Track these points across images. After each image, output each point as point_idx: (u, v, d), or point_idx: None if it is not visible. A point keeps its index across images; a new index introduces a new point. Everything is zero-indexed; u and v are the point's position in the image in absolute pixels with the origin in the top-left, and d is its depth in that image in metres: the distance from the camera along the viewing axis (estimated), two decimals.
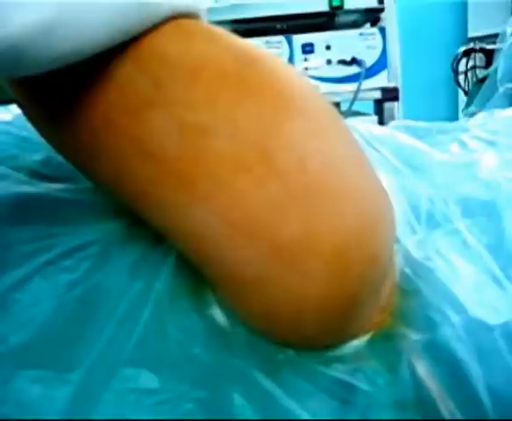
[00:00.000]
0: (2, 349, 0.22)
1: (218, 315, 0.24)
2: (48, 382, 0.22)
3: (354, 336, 0.24)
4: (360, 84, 1.23)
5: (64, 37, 0.18)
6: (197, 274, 0.24)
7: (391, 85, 1.31)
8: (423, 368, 0.23)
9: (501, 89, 0.73)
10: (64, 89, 0.22)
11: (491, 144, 0.35)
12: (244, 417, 0.22)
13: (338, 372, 0.23)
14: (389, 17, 1.34)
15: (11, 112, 0.34)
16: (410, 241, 0.27)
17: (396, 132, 0.36)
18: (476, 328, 0.24)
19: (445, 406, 0.23)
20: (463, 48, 1.17)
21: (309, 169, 0.20)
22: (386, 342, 0.24)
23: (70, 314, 0.23)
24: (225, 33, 0.23)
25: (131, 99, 0.21)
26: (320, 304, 0.20)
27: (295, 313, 0.21)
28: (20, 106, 0.26)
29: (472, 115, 0.43)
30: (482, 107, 0.70)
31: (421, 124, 0.38)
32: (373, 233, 0.21)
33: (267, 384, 0.22)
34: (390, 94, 1.31)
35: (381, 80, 1.30)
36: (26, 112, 0.26)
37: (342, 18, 1.39)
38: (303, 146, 0.20)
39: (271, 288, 0.20)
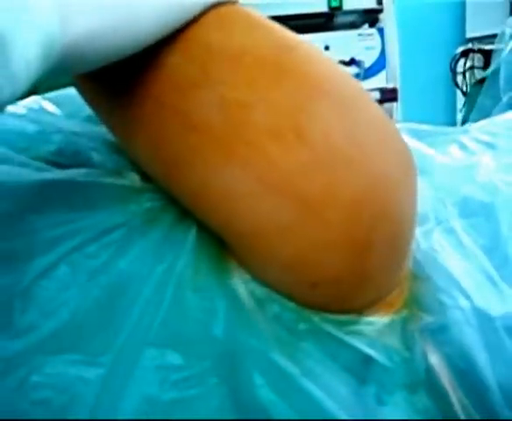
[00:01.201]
0: (35, 336, 0.23)
1: (241, 287, 0.25)
2: (81, 366, 0.23)
3: (374, 304, 0.26)
4: None
5: (119, 37, 0.21)
6: (218, 250, 0.26)
7: (390, 86, 1.32)
8: (435, 351, 0.25)
9: (504, 99, 0.73)
10: (121, 75, 0.26)
11: (490, 146, 0.36)
12: (265, 397, 0.23)
13: (359, 342, 0.25)
14: (388, 18, 1.34)
15: (23, 106, 0.35)
16: (417, 231, 0.28)
17: None
18: (481, 316, 0.25)
19: (455, 390, 0.24)
20: (461, 49, 1.17)
21: (332, 140, 0.23)
22: (401, 325, 0.26)
23: (96, 300, 0.24)
24: (265, 21, 0.26)
25: (180, 82, 0.24)
26: (340, 246, 0.23)
27: (319, 256, 0.23)
28: (75, 86, 0.30)
29: (475, 122, 0.44)
30: (486, 115, 0.70)
31: (424, 126, 0.39)
32: (385, 191, 0.23)
33: (286, 364, 0.24)
34: (389, 94, 1.32)
35: (380, 80, 1.30)
36: (81, 91, 0.30)
37: (341, 19, 1.39)
38: (328, 122, 0.23)
39: (296, 236, 0.23)
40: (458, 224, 0.29)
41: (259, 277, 0.25)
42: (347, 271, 0.24)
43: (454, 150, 0.36)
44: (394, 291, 0.26)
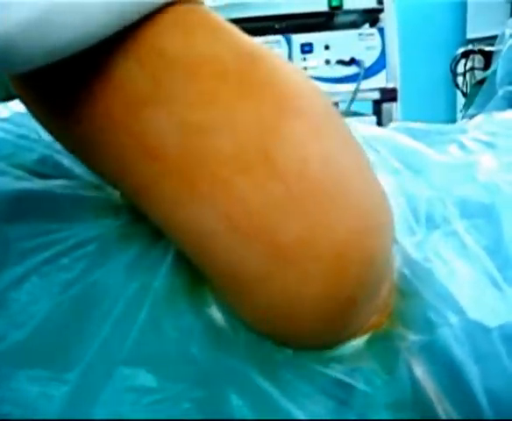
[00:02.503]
0: (1, 348, 0.22)
1: (216, 313, 0.24)
2: (46, 382, 0.22)
3: (352, 336, 0.24)
4: (359, 84, 1.23)
5: (58, 30, 0.18)
6: (195, 273, 0.24)
7: (390, 86, 1.31)
8: (420, 369, 0.24)
9: (500, 92, 0.73)
10: (66, 88, 0.22)
11: (489, 146, 0.35)
12: (241, 418, 0.22)
13: (337, 372, 0.23)
14: (388, 18, 1.34)
15: (8, 109, 0.34)
16: (409, 242, 0.27)
17: (396, 134, 0.36)
18: (474, 329, 0.24)
19: (442, 408, 0.23)
20: (462, 50, 1.16)
21: (310, 172, 0.20)
22: (384, 343, 0.24)
23: (67, 314, 0.23)
24: (227, 27, 0.23)
25: (132, 97, 0.21)
26: (318, 304, 0.21)
27: (293, 312, 0.21)
28: (23, 103, 0.26)
29: (471, 117, 0.43)
30: (481, 109, 0.70)
31: (420, 125, 0.38)
32: (371, 236, 0.21)
33: (265, 385, 0.23)
34: (389, 94, 1.31)
35: (380, 80, 1.30)
36: (29, 109, 0.26)
37: (341, 18, 1.39)
38: (304, 147, 0.20)
39: (268, 288, 0.21)
40: (460, 225, 0.29)
41: (234, 312, 0.24)
42: (326, 326, 0.22)
43: (453, 149, 0.35)
44: (374, 316, 0.25)
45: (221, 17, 0.23)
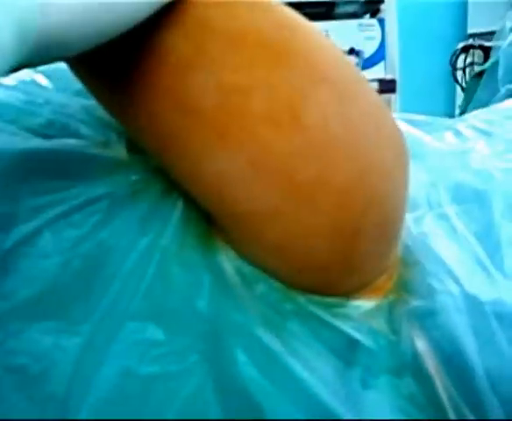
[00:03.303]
0: (13, 302, 0.23)
1: (226, 264, 0.25)
2: (59, 333, 0.23)
3: (362, 288, 0.26)
4: None
5: (105, 16, 0.19)
6: (205, 226, 0.26)
7: (388, 77, 1.31)
8: (421, 335, 0.25)
9: (502, 90, 0.73)
10: (112, 58, 0.25)
11: (485, 133, 0.35)
12: (247, 374, 0.23)
13: (345, 325, 0.25)
14: (389, 9, 1.34)
15: (14, 77, 0.34)
16: (410, 217, 0.28)
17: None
18: (470, 300, 0.25)
19: (440, 377, 0.24)
20: (462, 44, 1.16)
21: (329, 128, 0.22)
22: (390, 307, 0.26)
23: (79, 268, 0.24)
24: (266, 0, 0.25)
25: (175, 62, 0.23)
26: (330, 232, 0.23)
27: (308, 242, 0.23)
28: (70, 68, 0.28)
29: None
30: (484, 107, 0.70)
31: (421, 117, 0.39)
32: (374, 179, 0.23)
33: (271, 341, 0.23)
34: (387, 86, 1.32)
35: (379, 71, 1.30)
36: (77, 74, 0.28)
37: (341, 8, 1.39)
38: (326, 108, 0.22)
39: (287, 221, 0.23)
40: (451, 209, 0.29)
41: (246, 257, 0.25)
42: (335, 258, 0.24)
43: (449, 136, 0.35)
44: (382, 276, 0.26)
45: None
